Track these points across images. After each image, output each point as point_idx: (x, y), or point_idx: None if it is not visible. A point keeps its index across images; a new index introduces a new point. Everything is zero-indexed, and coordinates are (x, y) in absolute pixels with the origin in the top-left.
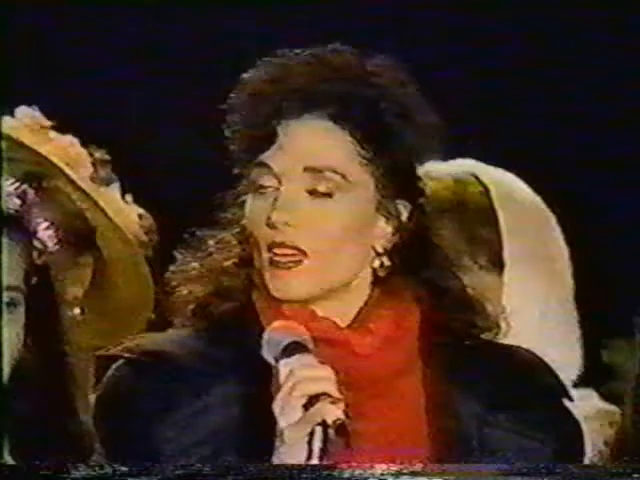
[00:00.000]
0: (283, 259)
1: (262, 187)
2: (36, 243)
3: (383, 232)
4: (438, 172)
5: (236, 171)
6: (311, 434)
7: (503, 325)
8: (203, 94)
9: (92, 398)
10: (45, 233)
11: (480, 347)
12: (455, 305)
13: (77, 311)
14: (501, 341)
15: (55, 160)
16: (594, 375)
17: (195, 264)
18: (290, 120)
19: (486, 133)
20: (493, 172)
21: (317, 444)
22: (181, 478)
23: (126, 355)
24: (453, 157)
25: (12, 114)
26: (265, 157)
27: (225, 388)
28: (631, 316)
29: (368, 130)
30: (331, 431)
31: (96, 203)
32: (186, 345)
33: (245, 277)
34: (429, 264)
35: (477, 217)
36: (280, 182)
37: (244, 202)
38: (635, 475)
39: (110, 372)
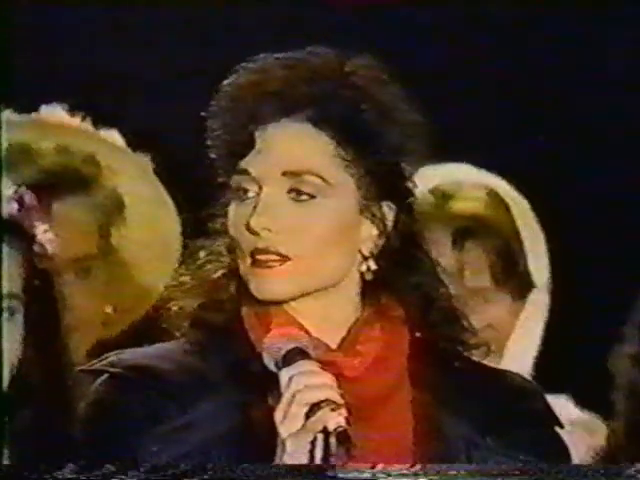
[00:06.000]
0: (265, 260)
1: (244, 193)
2: (36, 248)
3: (369, 235)
4: (455, 188)
5: (220, 180)
6: (313, 442)
7: (492, 344)
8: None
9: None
10: (44, 237)
11: (471, 370)
12: (442, 316)
13: (109, 309)
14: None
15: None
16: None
17: (186, 277)
18: (268, 124)
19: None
20: (506, 186)
21: (319, 452)
22: (176, 477)
23: (111, 370)
24: (445, 160)
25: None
26: (244, 162)
27: (213, 402)
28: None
29: (347, 131)
30: (332, 438)
31: None
32: (173, 359)
33: (235, 288)
34: (417, 269)
35: (504, 241)
36: (260, 187)
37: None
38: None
39: (94, 387)
